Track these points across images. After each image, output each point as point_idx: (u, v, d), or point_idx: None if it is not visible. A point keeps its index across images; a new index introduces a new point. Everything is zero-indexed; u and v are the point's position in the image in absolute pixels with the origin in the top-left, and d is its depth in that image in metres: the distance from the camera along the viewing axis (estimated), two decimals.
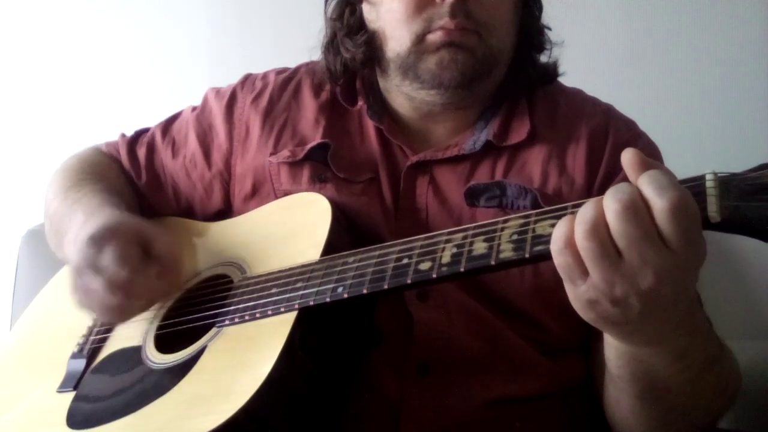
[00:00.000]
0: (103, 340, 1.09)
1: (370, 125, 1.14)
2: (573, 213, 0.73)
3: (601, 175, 1.06)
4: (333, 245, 0.95)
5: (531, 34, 1.14)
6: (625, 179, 0.72)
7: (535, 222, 0.76)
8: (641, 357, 0.81)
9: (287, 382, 0.87)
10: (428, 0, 1.03)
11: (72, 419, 0.99)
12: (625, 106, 1.16)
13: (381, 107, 1.15)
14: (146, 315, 1.05)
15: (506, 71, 1.11)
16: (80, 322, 1.12)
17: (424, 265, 0.82)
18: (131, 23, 1.97)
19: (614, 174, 1.05)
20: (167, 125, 1.27)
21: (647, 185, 0.68)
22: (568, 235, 0.70)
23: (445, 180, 1.09)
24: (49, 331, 1.18)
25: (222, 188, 1.20)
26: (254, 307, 0.94)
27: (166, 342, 1.01)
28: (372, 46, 1.10)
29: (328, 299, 0.88)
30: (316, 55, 1.19)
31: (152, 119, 1.30)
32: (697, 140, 1.77)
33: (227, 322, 0.95)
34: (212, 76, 1.36)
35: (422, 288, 1.00)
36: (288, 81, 1.21)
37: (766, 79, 1.77)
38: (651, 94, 1.80)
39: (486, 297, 1.02)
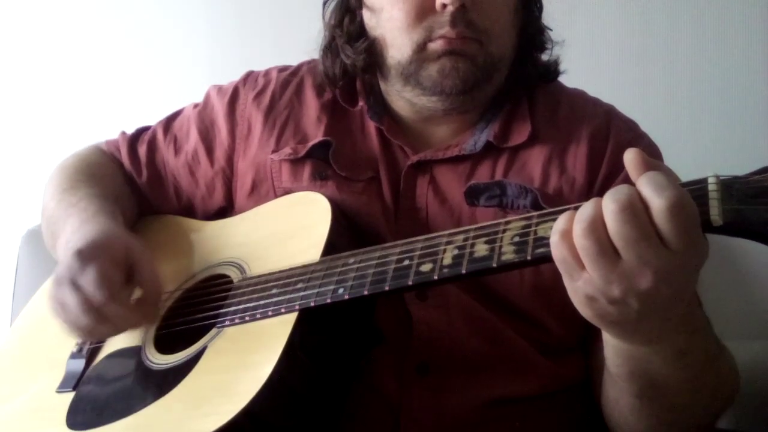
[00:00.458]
0: (103, 340, 1.09)
1: (371, 125, 1.14)
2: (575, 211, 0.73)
3: (602, 176, 1.06)
4: (333, 245, 0.95)
5: (531, 34, 1.14)
6: (626, 179, 0.72)
7: (537, 224, 0.76)
8: (640, 356, 0.81)
9: (288, 383, 0.87)
10: (429, 8, 1.03)
11: (72, 420, 0.99)
12: (626, 107, 1.16)
13: (381, 108, 1.15)
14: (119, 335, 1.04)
15: (507, 73, 1.11)
16: None
17: (426, 267, 0.82)
18: (131, 23, 1.97)
19: (615, 174, 1.05)
20: (168, 123, 1.27)
21: (646, 185, 0.68)
22: (566, 228, 0.70)
23: (446, 180, 1.09)
24: (48, 330, 1.17)
25: (224, 185, 1.20)
26: (254, 308, 0.94)
27: (165, 342, 1.01)
28: (372, 52, 1.10)
29: (328, 300, 0.88)
30: (316, 55, 1.19)
31: (153, 118, 1.30)
32: (699, 142, 1.77)
33: (227, 322, 0.95)
34: (212, 75, 1.36)
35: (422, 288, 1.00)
36: (290, 79, 1.21)
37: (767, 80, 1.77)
38: (652, 94, 1.80)
39: (486, 296, 1.02)
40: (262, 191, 1.14)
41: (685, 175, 0.73)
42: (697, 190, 0.69)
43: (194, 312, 1.01)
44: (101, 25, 1.98)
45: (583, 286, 0.71)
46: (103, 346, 1.08)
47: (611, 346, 0.83)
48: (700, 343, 0.84)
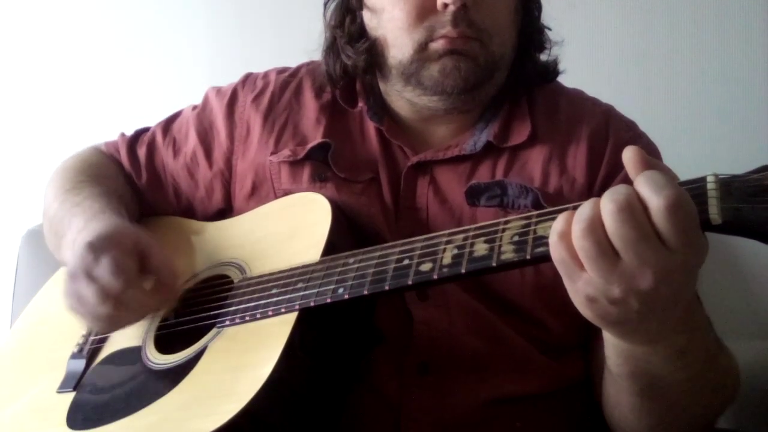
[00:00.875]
0: (103, 340, 1.09)
1: (370, 126, 1.14)
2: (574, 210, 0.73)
3: (602, 175, 1.06)
4: (333, 245, 0.95)
5: (531, 33, 1.14)
6: (626, 179, 0.72)
7: (537, 223, 0.76)
8: (641, 355, 0.81)
9: (288, 383, 0.87)
10: (430, 8, 1.03)
11: (72, 420, 0.99)
12: (626, 106, 1.16)
13: (381, 108, 1.15)
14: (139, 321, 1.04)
15: (507, 72, 1.11)
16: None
17: (425, 266, 0.82)
18: (131, 23, 1.97)
19: (615, 174, 1.05)
20: (167, 124, 1.27)
21: (644, 185, 0.68)
22: (564, 230, 0.70)
23: (446, 180, 1.09)
24: (48, 330, 1.18)
25: (223, 187, 1.20)
26: (255, 308, 0.94)
27: (166, 342, 1.01)
28: (373, 53, 1.10)
29: (328, 300, 0.88)
30: (316, 56, 1.19)
31: (152, 119, 1.30)
32: (698, 141, 1.77)
33: (228, 322, 0.95)
34: (212, 76, 1.36)
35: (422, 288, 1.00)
36: (289, 80, 1.21)
37: (767, 79, 1.77)
38: (651, 94, 1.80)
39: (486, 296, 1.02)
40: (263, 193, 1.14)
41: (684, 174, 0.72)
42: (695, 189, 0.69)
43: (195, 312, 1.01)
44: (101, 26, 1.98)
45: (583, 287, 0.71)
46: (104, 347, 1.08)
47: (612, 345, 0.83)
48: (700, 343, 0.84)
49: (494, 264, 0.77)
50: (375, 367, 0.98)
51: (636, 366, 0.84)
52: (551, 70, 1.16)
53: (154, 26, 1.97)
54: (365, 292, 0.85)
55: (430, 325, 1.00)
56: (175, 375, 0.94)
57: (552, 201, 1.02)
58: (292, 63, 1.25)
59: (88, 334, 1.11)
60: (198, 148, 1.21)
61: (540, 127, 1.10)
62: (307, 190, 1.09)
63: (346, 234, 1.00)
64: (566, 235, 0.70)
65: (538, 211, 0.78)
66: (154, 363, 0.99)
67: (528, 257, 0.75)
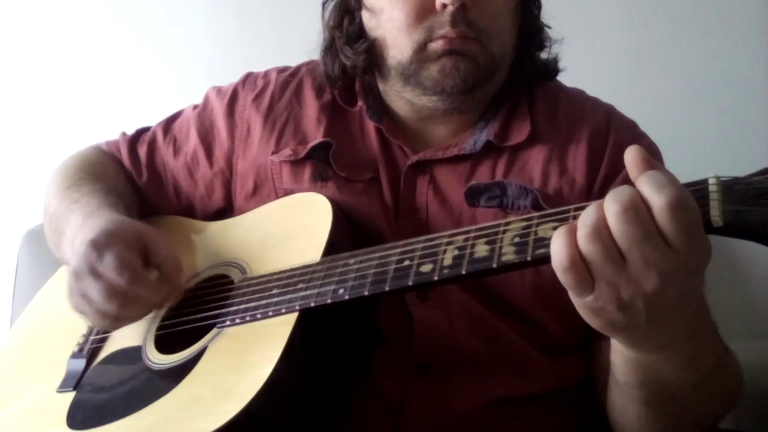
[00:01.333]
0: (103, 340, 1.09)
1: (370, 125, 1.14)
2: (575, 217, 0.73)
3: (602, 176, 1.06)
4: (334, 245, 0.95)
5: (531, 32, 1.14)
6: (626, 179, 0.72)
7: (537, 225, 0.76)
8: (649, 363, 0.81)
9: (288, 383, 0.87)
10: (429, 9, 1.03)
11: (72, 419, 0.99)
12: (626, 106, 1.16)
13: (380, 108, 1.15)
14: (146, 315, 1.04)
15: (507, 72, 1.11)
16: (80, 321, 1.11)
17: (426, 267, 0.82)
18: (131, 23, 1.97)
19: (615, 174, 1.05)
20: (168, 124, 1.27)
21: (646, 184, 0.68)
22: (569, 252, 0.69)
23: (446, 180, 1.09)
24: (48, 330, 1.18)
25: (223, 187, 1.20)
26: (255, 308, 0.94)
27: (166, 342, 1.01)
28: (372, 53, 1.10)
29: (329, 300, 0.88)
30: (316, 55, 1.19)
31: (153, 118, 1.30)
32: (699, 142, 1.77)
33: (228, 322, 0.95)
34: (212, 75, 1.36)
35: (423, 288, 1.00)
36: (290, 80, 1.21)
37: (767, 80, 1.77)
38: (652, 94, 1.80)
39: (486, 297, 1.02)
40: (264, 192, 1.14)
41: (686, 175, 0.72)
42: (697, 191, 0.69)
43: (195, 312, 1.01)
44: (101, 26, 1.98)
45: (592, 300, 0.71)
46: (104, 346, 1.08)
47: (620, 354, 0.83)
48: (708, 349, 0.84)
49: (495, 265, 0.77)
50: (375, 368, 0.98)
51: (644, 375, 0.84)
52: (551, 68, 1.16)
53: (154, 26, 1.97)
54: (366, 293, 0.85)
55: (430, 326, 1.00)
56: (176, 375, 0.94)
57: (551, 202, 1.02)
58: (292, 63, 1.25)
59: (89, 334, 1.11)
60: (199, 147, 1.21)
61: (540, 127, 1.10)
62: (308, 189, 1.09)
63: (346, 234, 1.00)
64: (572, 256, 0.69)
65: (539, 213, 0.78)
66: (155, 363, 0.99)
67: (529, 259, 0.75)
